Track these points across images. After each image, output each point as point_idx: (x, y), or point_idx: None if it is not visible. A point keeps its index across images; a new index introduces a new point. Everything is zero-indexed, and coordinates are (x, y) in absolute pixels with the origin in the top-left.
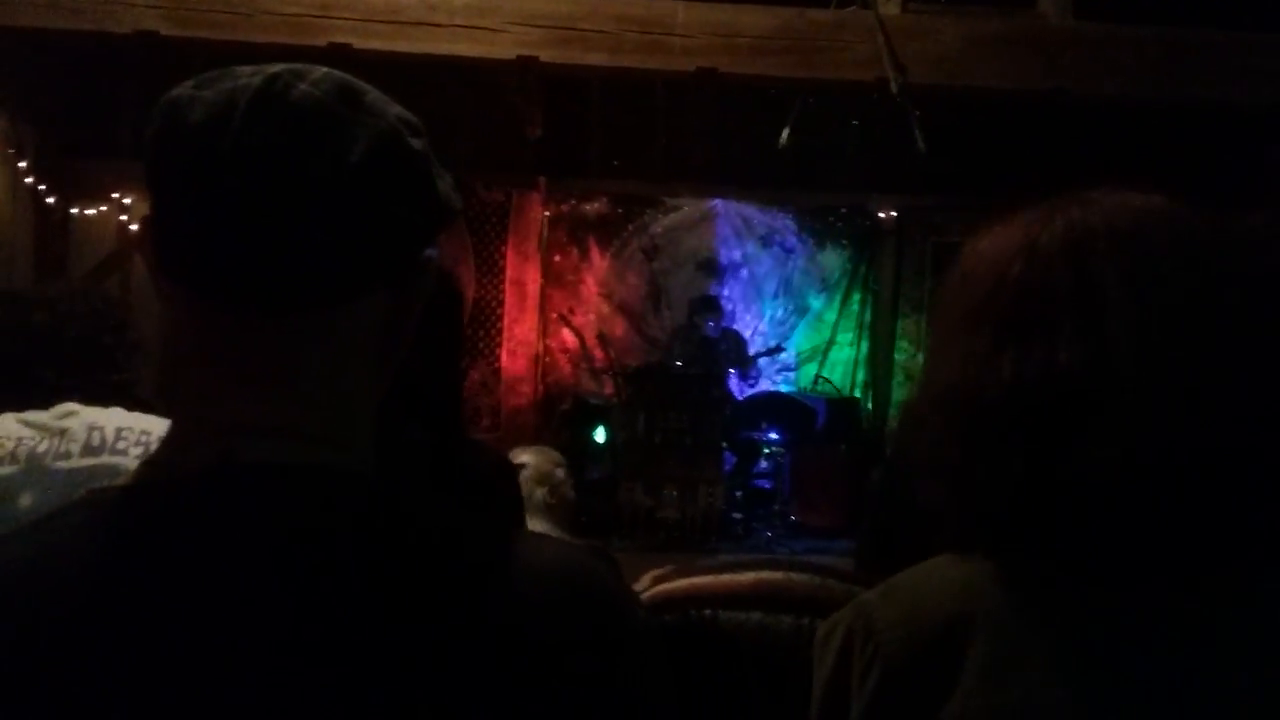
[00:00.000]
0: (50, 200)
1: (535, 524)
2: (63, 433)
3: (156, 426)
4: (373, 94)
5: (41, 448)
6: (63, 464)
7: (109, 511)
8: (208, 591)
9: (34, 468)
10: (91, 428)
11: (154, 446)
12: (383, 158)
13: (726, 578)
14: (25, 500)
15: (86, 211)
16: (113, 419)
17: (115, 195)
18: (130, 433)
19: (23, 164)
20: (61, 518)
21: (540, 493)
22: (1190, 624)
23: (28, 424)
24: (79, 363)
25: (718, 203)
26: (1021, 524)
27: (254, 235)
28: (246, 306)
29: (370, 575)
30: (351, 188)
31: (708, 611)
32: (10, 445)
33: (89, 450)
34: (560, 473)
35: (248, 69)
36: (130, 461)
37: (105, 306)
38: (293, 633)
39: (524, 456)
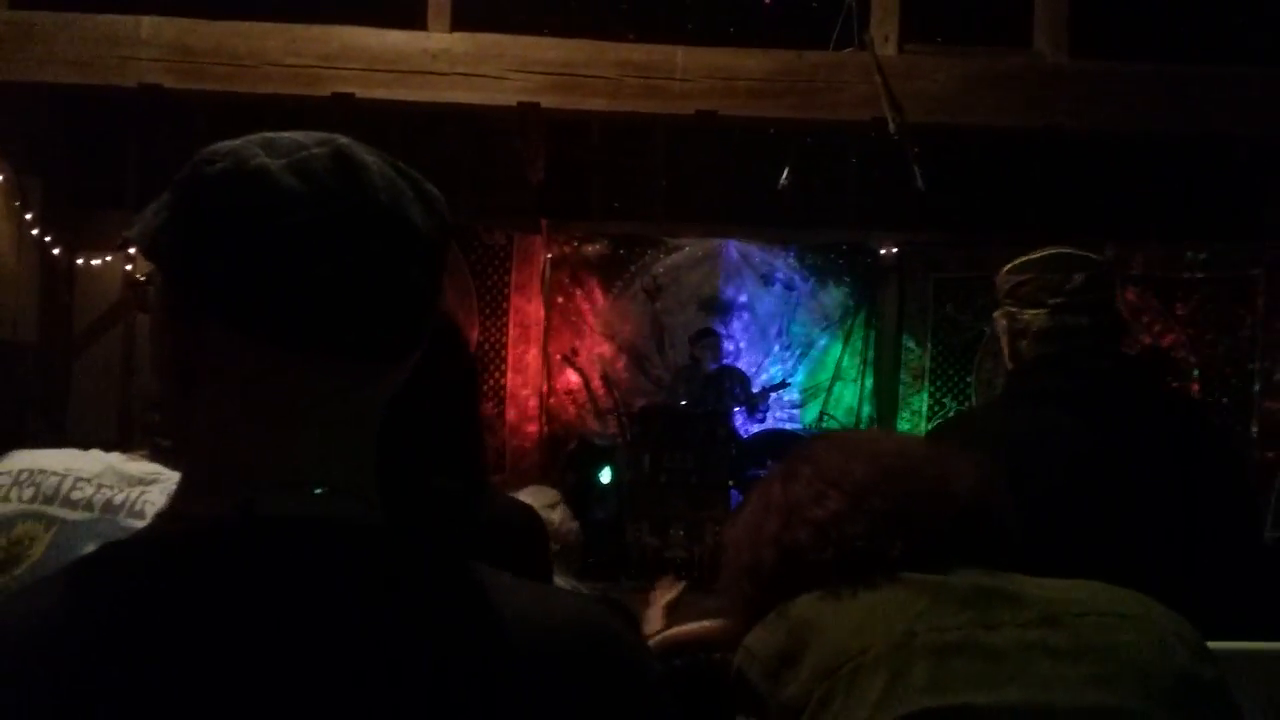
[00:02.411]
0: (56, 251)
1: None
2: (143, 490)
3: (88, 464)
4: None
5: (118, 499)
6: (134, 522)
7: (128, 565)
8: (224, 645)
9: (105, 521)
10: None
11: (169, 484)
12: (441, 224)
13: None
14: (89, 547)
15: (92, 262)
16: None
17: (120, 246)
18: (71, 477)
19: (29, 215)
20: (84, 569)
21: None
22: None
23: (116, 472)
24: None
25: (719, 242)
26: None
27: (366, 291)
28: (326, 356)
29: (384, 633)
30: (424, 249)
31: (716, 655)
32: (89, 490)
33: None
34: (556, 514)
35: (286, 139)
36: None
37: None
38: (309, 689)
39: (520, 498)
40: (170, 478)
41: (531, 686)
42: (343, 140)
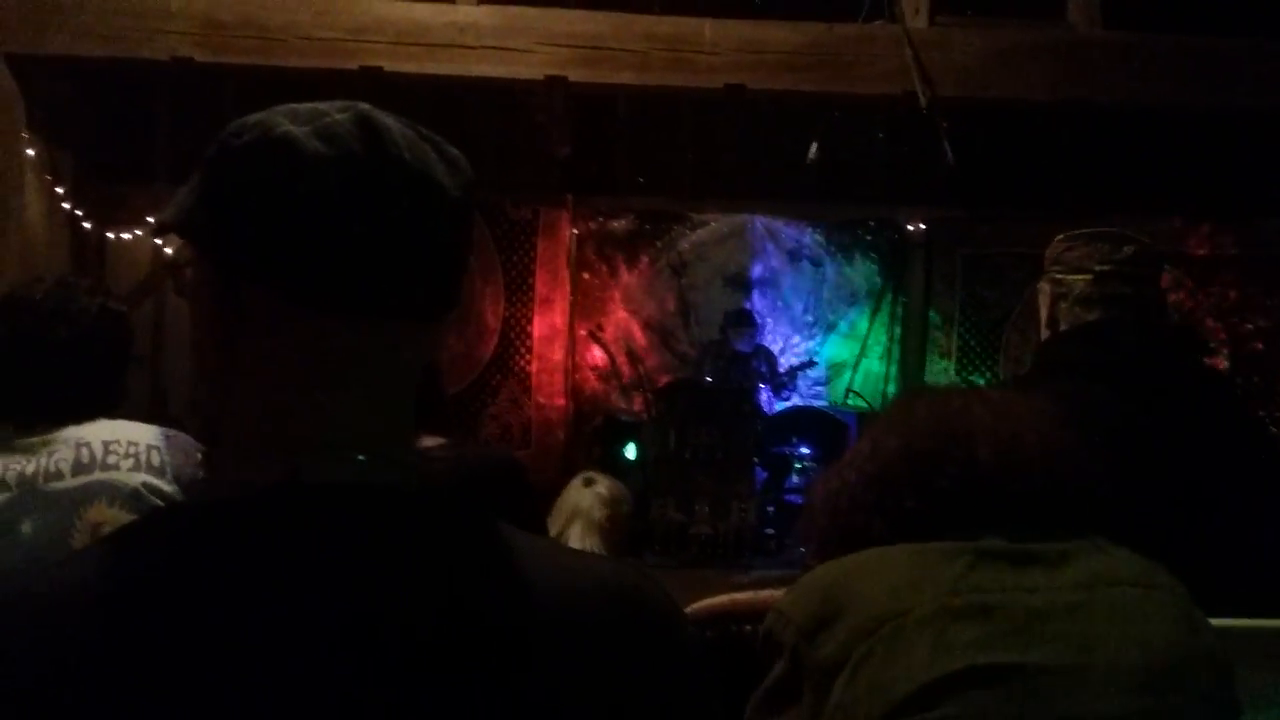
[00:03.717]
0: (86, 225)
1: (586, 538)
2: (50, 453)
3: (142, 435)
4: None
5: (30, 470)
6: (56, 485)
7: (171, 533)
8: (268, 614)
9: (27, 492)
10: (79, 444)
11: (144, 456)
12: (466, 183)
13: (765, 594)
14: (26, 528)
15: (122, 236)
16: (97, 433)
17: (151, 219)
18: (119, 445)
19: (59, 189)
20: (126, 539)
21: (601, 514)
22: None
23: (12, 448)
24: (91, 380)
25: (745, 218)
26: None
27: (400, 251)
28: (365, 317)
29: (427, 599)
30: (452, 208)
31: (747, 626)
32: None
33: (80, 468)
34: (626, 507)
35: (307, 108)
36: (124, 475)
37: (120, 321)
38: (352, 656)
39: (601, 480)
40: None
41: (569, 649)
42: (364, 106)
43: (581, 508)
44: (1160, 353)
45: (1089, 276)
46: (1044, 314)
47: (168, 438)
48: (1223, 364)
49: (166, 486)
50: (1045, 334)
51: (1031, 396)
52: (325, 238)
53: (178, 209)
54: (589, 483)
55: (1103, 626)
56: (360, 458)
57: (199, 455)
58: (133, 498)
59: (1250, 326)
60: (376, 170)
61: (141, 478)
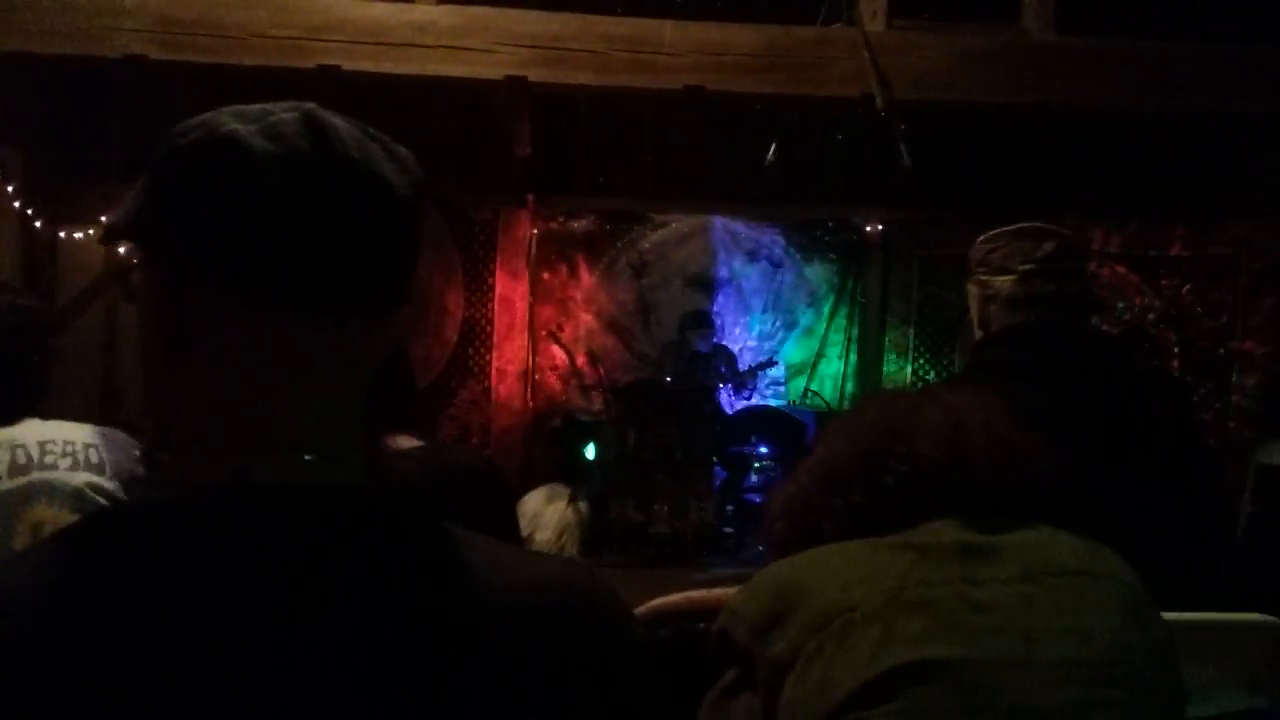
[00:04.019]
0: (37, 224)
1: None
2: None
3: (78, 434)
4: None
5: None
6: None
7: (116, 535)
8: (211, 616)
9: None
10: (13, 446)
11: (82, 455)
12: (414, 181)
13: (719, 592)
14: None
15: (74, 235)
16: (31, 433)
17: (103, 218)
18: (55, 445)
19: (10, 187)
20: (68, 540)
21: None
22: None
23: None
24: (10, 379)
25: (705, 219)
26: None
27: (347, 247)
28: (311, 313)
29: (372, 601)
30: (400, 205)
31: (701, 625)
32: None
33: (17, 469)
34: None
35: (255, 108)
36: (64, 475)
37: (32, 316)
38: (297, 659)
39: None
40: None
41: (514, 649)
42: (311, 105)
43: (570, 523)
44: (1087, 352)
45: (1013, 277)
46: (974, 316)
47: (104, 435)
48: (1176, 363)
49: (108, 484)
50: (978, 335)
51: (979, 392)
52: (271, 235)
53: (125, 211)
54: (553, 493)
55: (1046, 618)
56: (307, 457)
57: (137, 452)
58: (75, 497)
59: (1200, 327)
60: (323, 168)
61: (84, 477)
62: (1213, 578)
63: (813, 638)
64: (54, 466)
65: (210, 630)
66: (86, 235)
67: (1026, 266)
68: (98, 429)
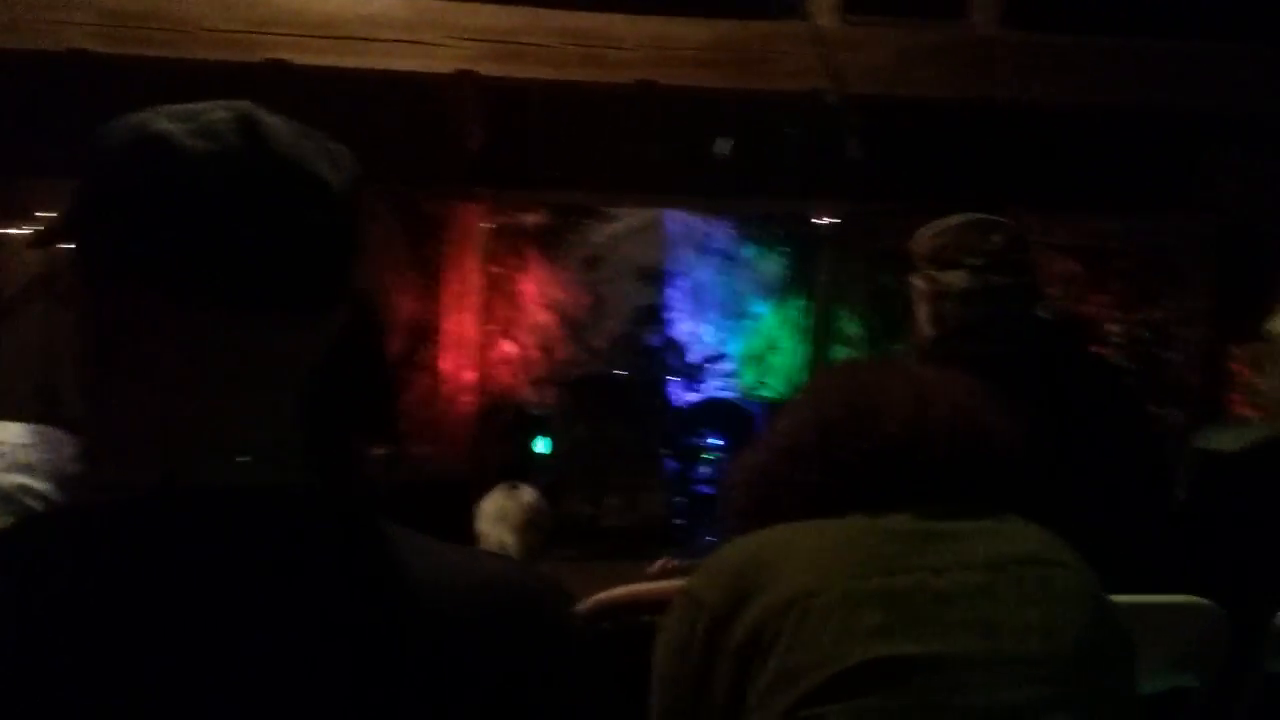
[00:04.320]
0: None
1: (505, 540)
2: None
3: (9, 434)
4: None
5: None
6: None
7: (45, 539)
8: (144, 621)
9: None
10: None
11: (12, 455)
12: (350, 178)
13: (662, 585)
14: None
15: (11, 231)
16: None
17: (41, 214)
18: None
19: None
20: (3, 544)
21: (521, 519)
22: None
23: None
24: None
25: (658, 212)
26: None
27: (279, 243)
28: (244, 311)
29: (306, 602)
30: (335, 202)
31: (645, 618)
32: None
33: None
34: (547, 520)
35: (187, 107)
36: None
37: None
38: (231, 663)
39: (525, 488)
40: None
41: (449, 648)
42: (245, 104)
43: (507, 511)
44: (1045, 346)
45: (965, 272)
46: (923, 311)
47: (38, 434)
48: (1114, 352)
49: (40, 485)
50: (930, 331)
51: (946, 369)
52: (203, 233)
53: (59, 215)
54: (514, 488)
55: (1008, 610)
56: (242, 458)
57: (72, 452)
58: (5, 500)
59: (1140, 316)
60: (255, 165)
61: (15, 479)
62: (1148, 561)
63: (772, 623)
64: None
65: (140, 635)
66: (27, 232)
67: (976, 261)
68: (31, 427)
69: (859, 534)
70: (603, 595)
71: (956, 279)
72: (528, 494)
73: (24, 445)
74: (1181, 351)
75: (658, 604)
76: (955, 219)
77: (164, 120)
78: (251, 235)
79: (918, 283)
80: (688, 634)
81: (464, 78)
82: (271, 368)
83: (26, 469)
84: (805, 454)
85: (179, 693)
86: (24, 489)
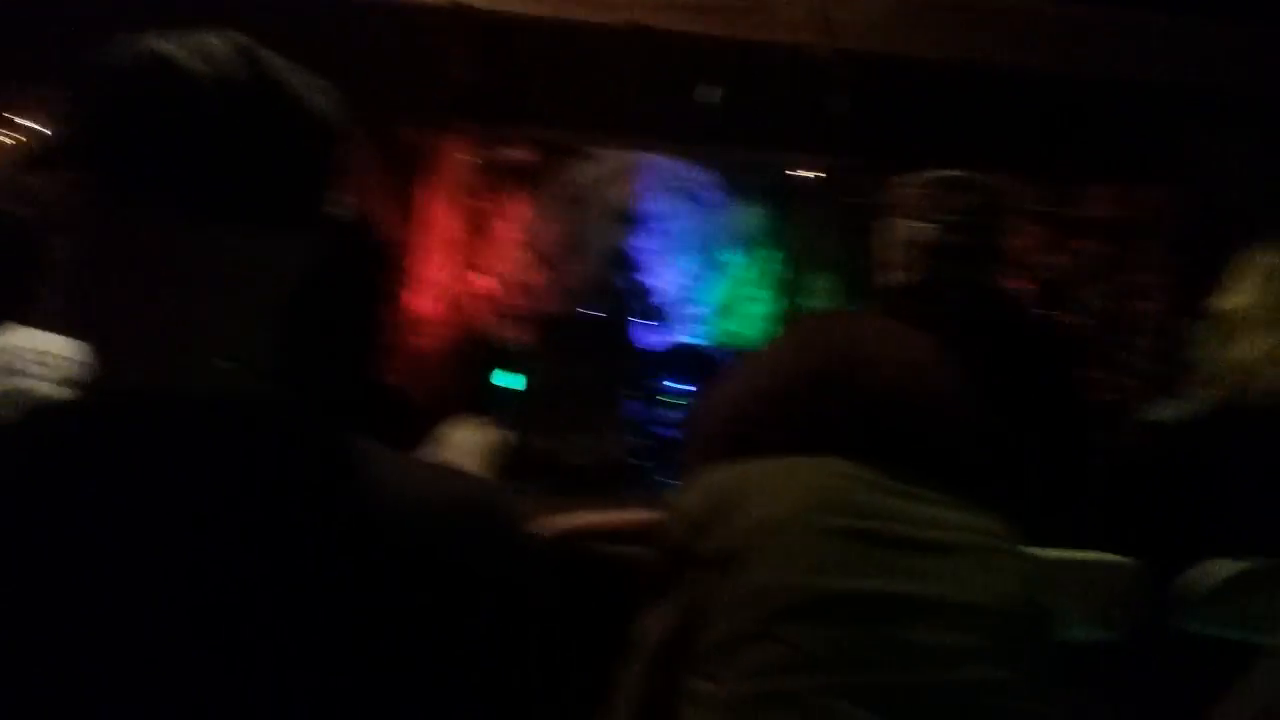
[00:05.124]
0: None
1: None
2: None
3: (53, 344)
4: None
5: None
6: None
7: (25, 438)
8: (115, 523)
9: None
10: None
11: (52, 364)
12: (335, 107)
13: (620, 515)
14: None
15: None
16: (15, 341)
17: (22, 122)
18: (29, 353)
19: None
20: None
21: (484, 453)
22: None
23: None
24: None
25: (641, 155)
26: None
27: (269, 160)
28: (230, 221)
29: (275, 508)
30: (319, 127)
31: (598, 545)
32: None
33: None
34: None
35: (186, 34)
36: (34, 383)
37: (18, 225)
38: (202, 566)
39: (486, 425)
40: None
41: (408, 552)
42: (234, 33)
43: (473, 444)
44: (996, 310)
45: (938, 226)
46: (891, 256)
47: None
48: (1077, 320)
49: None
50: (895, 279)
51: (921, 333)
52: (203, 149)
53: (54, 138)
54: (481, 423)
55: (956, 567)
56: (220, 365)
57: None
58: None
59: (1104, 285)
60: (253, 88)
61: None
62: (1074, 521)
63: (745, 542)
64: (24, 372)
65: (94, 531)
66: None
67: (950, 218)
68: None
69: (837, 476)
70: (562, 521)
71: (926, 231)
72: (494, 430)
73: (70, 358)
74: (1144, 322)
75: (613, 532)
76: (937, 173)
77: (165, 44)
78: (247, 153)
79: (890, 230)
80: (667, 539)
81: (455, 9)
82: (254, 280)
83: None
84: (791, 398)
85: (131, 584)
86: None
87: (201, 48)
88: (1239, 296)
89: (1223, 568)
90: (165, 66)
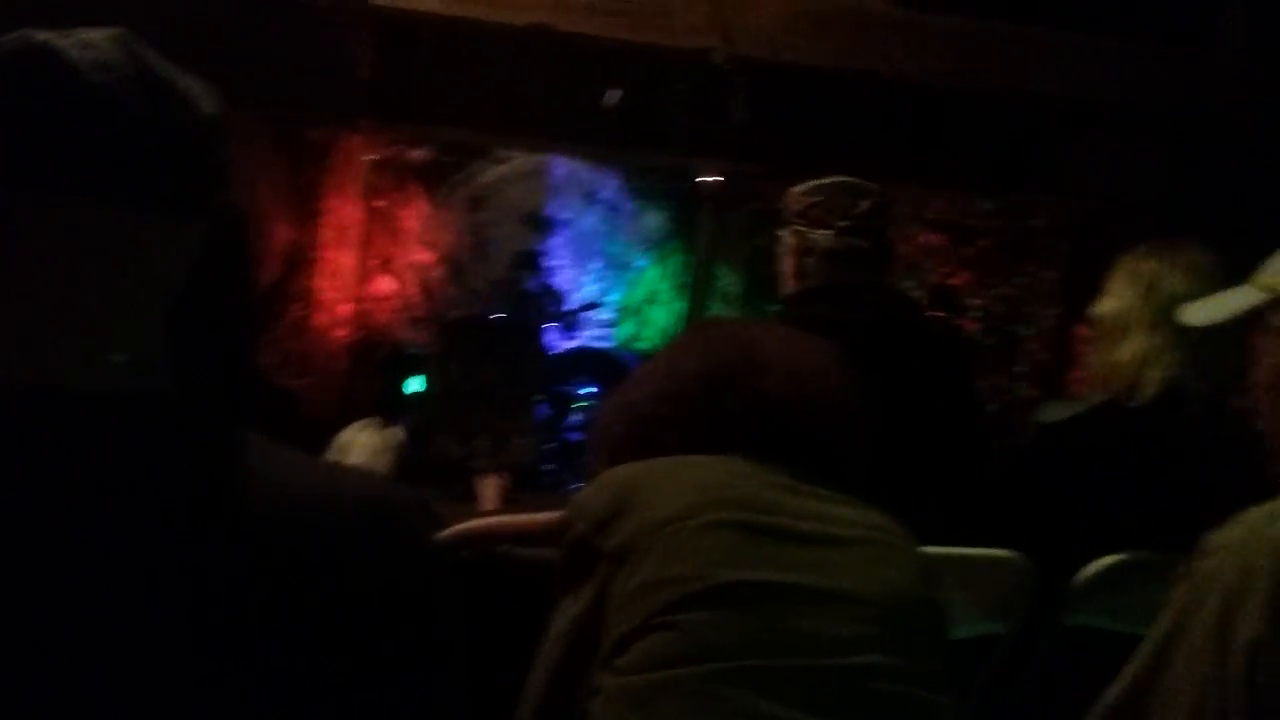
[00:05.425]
0: None
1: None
2: None
3: None
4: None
5: None
6: None
7: None
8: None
9: None
10: None
11: None
12: (216, 102)
13: (524, 517)
14: None
15: None
16: None
17: None
18: None
19: None
20: None
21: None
22: None
23: None
24: None
25: (545, 158)
26: None
27: (152, 148)
28: (111, 206)
29: (169, 507)
30: (199, 118)
31: (504, 549)
32: None
33: None
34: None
35: (66, 29)
36: None
37: None
38: (92, 567)
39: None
40: None
41: (299, 552)
42: (113, 28)
43: (374, 448)
44: (894, 313)
45: (832, 232)
46: (788, 265)
47: None
48: (974, 325)
49: None
50: (791, 286)
51: (816, 338)
52: (84, 136)
53: None
54: (382, 426)
55: (849, 561)
56: (112, 358)
57: None
58: None
59: (998, 292)
60: (134, 76)
61: None
62: (965, 519)
63: (645, 539)
64: None
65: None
66: None
67: (845, 223)
68: None
69: (733, 473)
70: (462, 525)
71: (822, 238)
72: (397, 433)
73: None
74: (1034, 327)
75: (517, 535)
76: (829, 180)
77: (45, 36)
78: (128, 140)
79: (786, 237)
80: (571, 537)
81: (357, 5)
82: (139, 272)
83: None
84: (687, 398)
85: (12, 588)
86: None
87: (82, 39)
88: (1116, 301)
89: (1106, 562)
90: (42, 53)
